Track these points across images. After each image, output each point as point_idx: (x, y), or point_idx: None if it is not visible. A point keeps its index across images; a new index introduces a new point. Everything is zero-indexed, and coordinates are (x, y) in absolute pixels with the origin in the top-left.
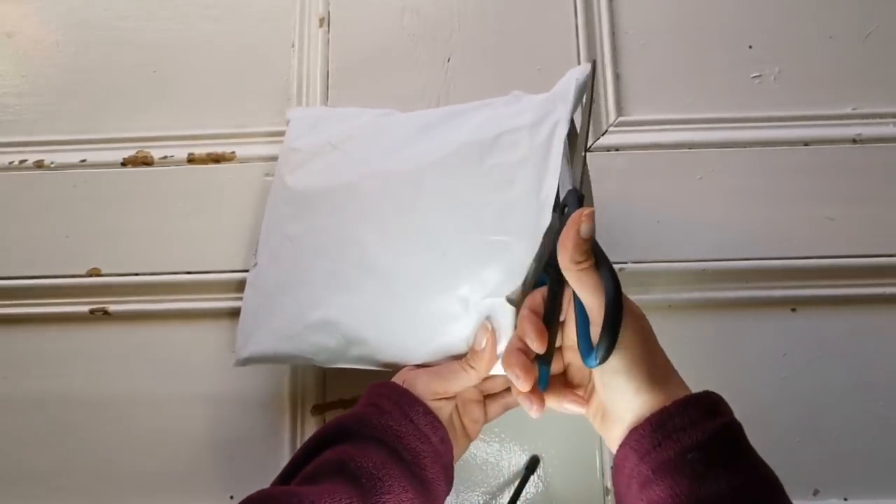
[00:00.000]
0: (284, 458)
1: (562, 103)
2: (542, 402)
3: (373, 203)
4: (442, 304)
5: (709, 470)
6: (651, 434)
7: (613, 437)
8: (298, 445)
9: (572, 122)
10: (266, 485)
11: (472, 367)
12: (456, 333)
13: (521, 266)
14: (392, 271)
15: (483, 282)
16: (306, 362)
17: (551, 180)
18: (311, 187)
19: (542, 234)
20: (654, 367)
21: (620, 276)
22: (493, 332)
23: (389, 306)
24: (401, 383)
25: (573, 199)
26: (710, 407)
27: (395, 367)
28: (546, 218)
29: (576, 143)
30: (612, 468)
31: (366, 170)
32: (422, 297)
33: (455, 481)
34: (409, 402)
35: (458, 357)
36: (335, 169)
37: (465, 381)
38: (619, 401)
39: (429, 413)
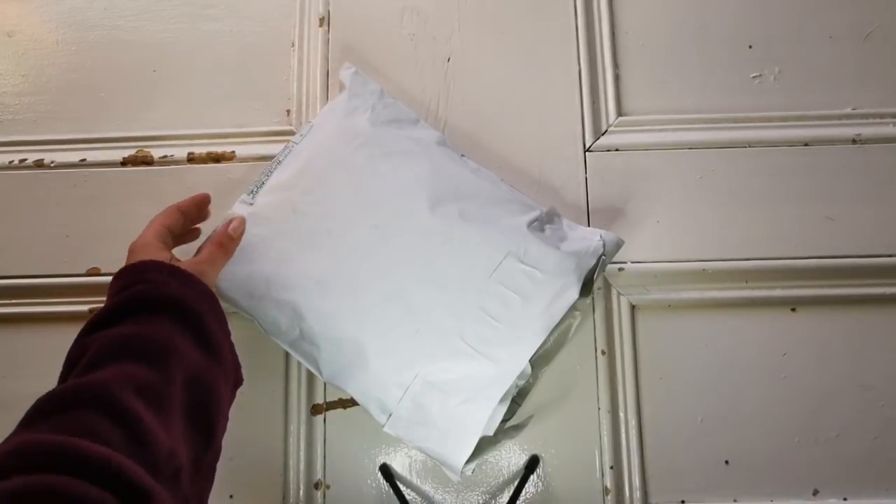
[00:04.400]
0: (284, 458)
1: (576, 273)
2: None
3: (391, 234)
4: (391, 367)
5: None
6: None
7: None
8: (299, 445)
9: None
10: (265, 484)
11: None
12: (391, 396)
13: (476, 384)
14: (373, 311)
15: (442, 370)
16: (250, 318)
17: (535, 338)
18: (342, 179)
19: (510, 378)
20: None
21: (621, 276)
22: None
23: (353, 335)
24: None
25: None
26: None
27: (322, 377)
28: (520, 359)
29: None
30: None
31: (396, 199)
32: (380, 349)
33: (455, 481)
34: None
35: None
36: (372, 177)
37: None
38: None
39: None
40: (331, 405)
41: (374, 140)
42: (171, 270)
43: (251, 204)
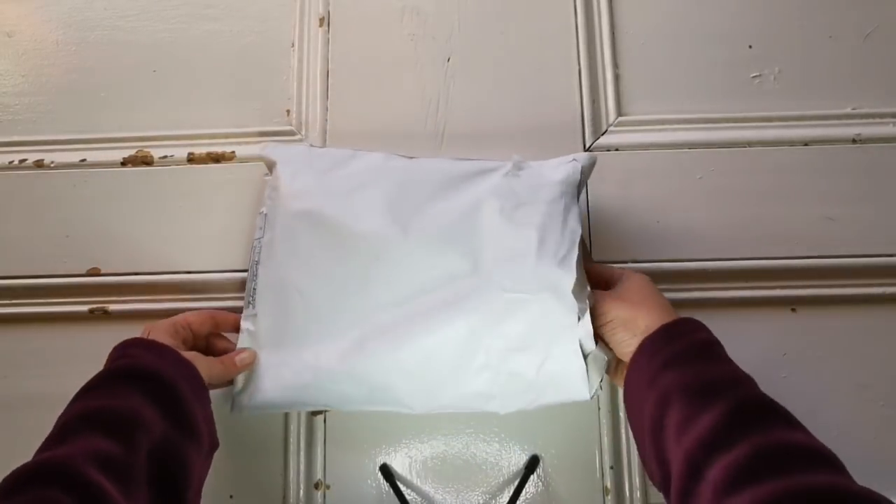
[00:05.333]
0: (284, 458)
1: (570, 191)
2: None
3: (391, 260)
4: (465, 356)
5: (709, 358)
6: (661, 337)
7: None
8: (299, 445)
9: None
10: (265, 484)
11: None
12: (483, 384)
13: (548, 321)
14: (416, 324)
15: (503, 335)
16: (323, 408)
17: (571, 253)
18: (323, 239)
19: (567, 290)
20: (647, 317)
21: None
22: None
23: (414, 356)
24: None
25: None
26: (700, 324)
27: (416, 410)
28: (568, 275)
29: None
30: (624, 390)
31: (381, 225)
32: (447, 353)
33: (455, 481)
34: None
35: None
36: (348, 221)
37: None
38: (625, 350)
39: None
40: None
41: (328, 190)
42: (150, 345)
43: (255, 314)
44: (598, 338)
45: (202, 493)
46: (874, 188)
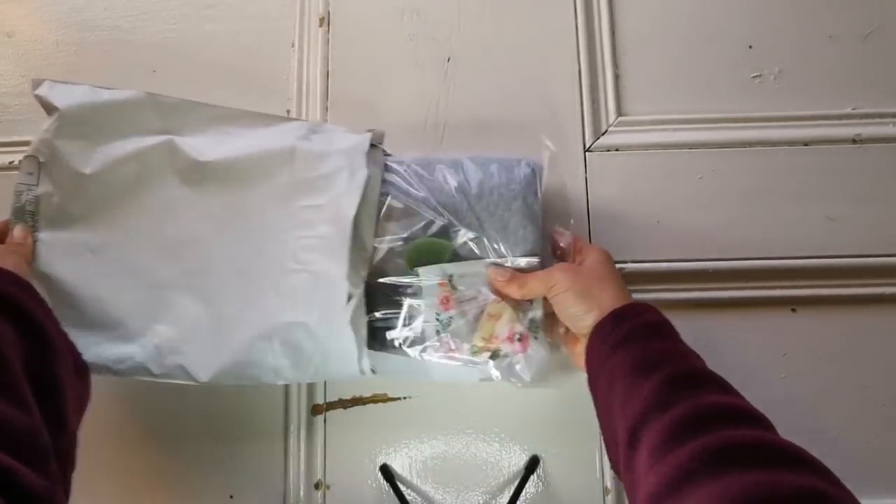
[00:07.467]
0: (284, 458)
1: (357, 158)
2: None
3: (183, 217)
4: (254, 321)
5: (652, 337)
6: (610, 322)
7: (579, 351)
8: (299, 445)
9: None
10: (265, 484)
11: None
12: (265, 353)
13: (320, 289)
14: (215, 292)
15: (286, 304)
16: (102, 373)
17: (349, 210)
18: (112, 192)
19: (337, 274)
20: (601, 295)
21: (620, 276)
22: None
23: (213, 324)
24: None
25: None
26: (650, 307)
27: (200, 379)
28: (337, 261)
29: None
30: (587, 376)
31: (170, 178)
32: (245, 320)
33: (455, 481)
34: None
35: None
36: (138, 174)
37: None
38: (578, 324)
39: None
40: (331, 405)
41: (104, 156)
42: None
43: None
44: (550, 307)
45: (202, 492)
46: (874, 188)
